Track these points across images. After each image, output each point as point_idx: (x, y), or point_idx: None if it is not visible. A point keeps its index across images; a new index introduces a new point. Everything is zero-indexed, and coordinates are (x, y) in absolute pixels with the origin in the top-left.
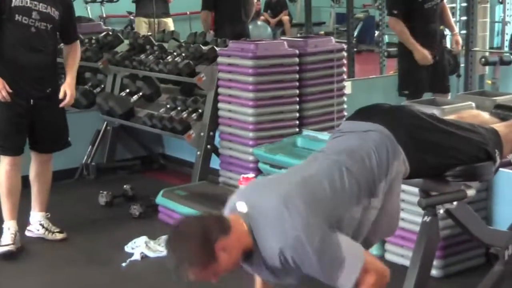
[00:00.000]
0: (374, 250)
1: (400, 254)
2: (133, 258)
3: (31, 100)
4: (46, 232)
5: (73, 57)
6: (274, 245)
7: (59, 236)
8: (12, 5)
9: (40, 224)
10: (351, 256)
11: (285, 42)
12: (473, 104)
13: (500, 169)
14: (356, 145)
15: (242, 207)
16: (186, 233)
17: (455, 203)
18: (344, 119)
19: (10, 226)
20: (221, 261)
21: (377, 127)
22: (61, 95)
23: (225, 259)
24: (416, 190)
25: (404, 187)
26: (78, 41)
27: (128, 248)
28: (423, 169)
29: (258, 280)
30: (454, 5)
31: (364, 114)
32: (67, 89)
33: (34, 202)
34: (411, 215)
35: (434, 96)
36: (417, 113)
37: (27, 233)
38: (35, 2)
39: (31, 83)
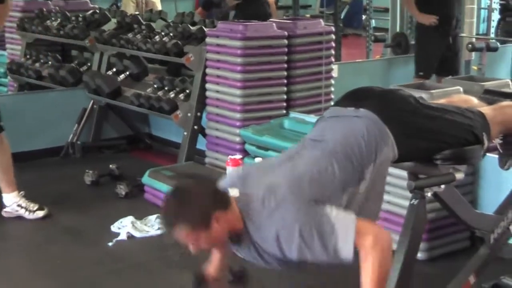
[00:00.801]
0: None
1: None
2: (119, 237)
3: None
4: (26, 212)
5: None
6: (268, 234)
7: (40, 213)
8: None
9: (18, 205)
10: (341, 222)
11: (274, 24)
12: (461, 89)
13: (487, 153)
14: (345, 132)
15: (234, 192)
16: (190, 193)
17: (443, 186)
18: (332, 102)
19: None
20: (212, 231)
21: (366, 113)
22: None
23: (216, 231)
24: (402, 172)
25: (390, 170)
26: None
27: (114, 227)
28: (412, 153)
29: (215, 254)
30: None
31: (353, 98)
32: None
33: (1, 184)
34: (396, 198)
35: (441, 78)
36: (406, 97)
37: (4, 214)
38: None
39: None
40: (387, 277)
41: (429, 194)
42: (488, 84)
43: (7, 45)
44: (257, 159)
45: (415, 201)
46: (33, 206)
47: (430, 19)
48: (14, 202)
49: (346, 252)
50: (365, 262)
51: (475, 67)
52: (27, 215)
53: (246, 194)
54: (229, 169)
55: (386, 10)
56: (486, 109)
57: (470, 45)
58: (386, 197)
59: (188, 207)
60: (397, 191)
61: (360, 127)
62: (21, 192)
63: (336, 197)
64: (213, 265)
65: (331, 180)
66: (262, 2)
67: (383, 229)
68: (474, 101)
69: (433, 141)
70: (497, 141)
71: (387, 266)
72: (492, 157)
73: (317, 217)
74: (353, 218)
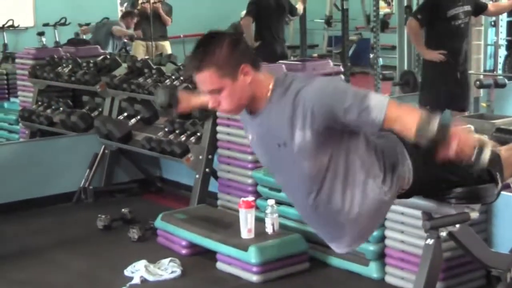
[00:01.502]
0: (374, 272)
1: (400, 276)
2: (133, 282)
3: None
4: None
5: None
6: (295, 86)
7: None
8: None
9: None
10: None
11: (283, 66)
12: (472, 127)
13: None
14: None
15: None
16: (228, 39)
17: (457, 225)
18: None
19: None
20: (237, 82)
21: (387, 133)
22: None
23: (241, 83)
24: (416, 212)
25: (404, 209)
26: None
27: (127, 272)
28: (426, 182)
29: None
30: None
31: None
32: None
33: None
34: (411, 238)
35: (452, 114)
36: None
37: None
38: None
39: None
40: None
41: (444, 234)
42: (499, 122)
43: (19, 93)
44: (270, 201)
45: (430, 241)
46: None
47: (437, 56)
48: None
49: (378, 114)
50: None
51: (484, 104)
52: None
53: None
54: (242, 213)
55: (393, 48)
56: (500, 150)
57: (478, 82)
58: (400, 236)
59: (219, 50)
60: (411, 231)
61: (382, 140)
62: None
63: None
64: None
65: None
66: (280, 43)
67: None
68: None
69: (448, 174)
70: (510, 180)
71: None
72: (506, 195)
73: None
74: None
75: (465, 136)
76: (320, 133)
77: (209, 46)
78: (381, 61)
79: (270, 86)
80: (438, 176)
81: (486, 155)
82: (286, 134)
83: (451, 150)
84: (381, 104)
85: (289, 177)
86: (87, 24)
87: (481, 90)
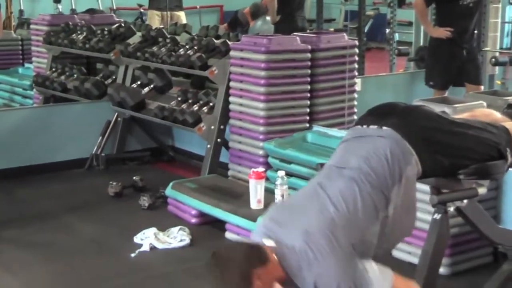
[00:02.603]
0: None
1: (407, 251)
2: (142, 249)
3: None
4: None
5: None
6: (309, 284)
7: None
8: None
9: None
10: (378, 279)
11: (297, 38)
12: (484, 103)
13: (510, 168)
14: (368, 156)
15: (270, 243)
16: (228, 258)
17: (465, 201)
18: (355, 116)
19: None
20: None
21: (389, 132)
22: None
23: (259, 287)
24: (425, 187)
25: None
26: (0, 16)
27: (137, 239)
28: (436, 170)
29: None
30: None
31: (376, 115)
32: None
33: None
34: (419, 213)
35: (467, 87)
36: (429, 114)
37: None
38: None
39: None
40: None
41: (451, 209)
42: None
43: (33, 58)
44: (280, 172)
45: (437, 216)
46: None
47: (442, 33)
48: None
49: None
50: None
51: (498, 82)
52: None
53: (283, 244)
54: (252, 184)
55: (410, 24)
56: (510, 124)
57: (493, 59)
58: None
59: (228, 274)
60: (420, 206)
61: (383, 149)
62: None
63: (369, 227)
64: None
65: (361, 212)
66: (301, 17)
67: (413, 283)
68: (497, 115)
69: (457, 158)
70: None
71: None
72: None
73: (355, 273)
74: (390, 276)
75: None
76: None
77: (219, 275)
78: (397, 36)
79: (280, 268)
80: (448, 163)
81: None
82: None
83: None
84: None
85: None
86: None
87: (497, 68)
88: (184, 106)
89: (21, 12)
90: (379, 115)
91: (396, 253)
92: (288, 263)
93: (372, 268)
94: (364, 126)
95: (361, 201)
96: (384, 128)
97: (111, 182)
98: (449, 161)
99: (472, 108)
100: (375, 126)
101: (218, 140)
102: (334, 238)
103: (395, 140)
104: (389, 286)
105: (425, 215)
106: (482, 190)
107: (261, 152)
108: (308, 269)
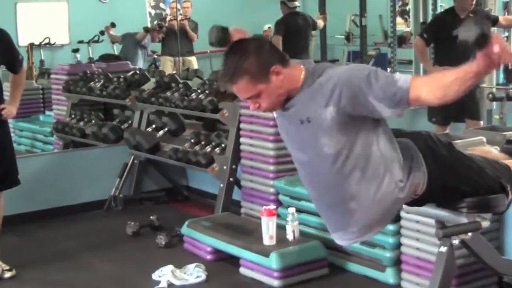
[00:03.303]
0: (390, 278)
1: (415, 282)
2: (160, 285)
3: None
4: None
5: (18, 83)
6: (325, 76)
7: (7, 274)
8: None
9: None
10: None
11: None
12: (484, 139)
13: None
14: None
15: (303, 64)
16: (248, 46)
17: (470, 234)
18: None
19: None
20: (271, 84)
21: (404, 139)
22: (1, 108)
23: (274, 84)
24: (431, 221)
25: (419, 218)
26: (23, 69)
27: (155, 276)
28: (439, 190)
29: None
30: None
31: None
32: (10, 106)
33: None
34: (426, 245)
35: (467, 123)
36: (435, 139)
37: None
38: None
39: None
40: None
41: (456, 242)
42: (510, 134)
43: (54, 106)
44: (291, 209)
45: (443, 249)
46: (4, 266)
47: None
48: None
49: (404, 82)
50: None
51: (496, 117)
52: None
53: (316, 66)
54: (264, 221)
55: (410, 62)
56: (510, 162)
57: (491, 95)
58: (415, 243)
59: (247, 59)
60: (425, 238)
61: (399, 145)
62: None
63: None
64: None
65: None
66: (305, 58)
67: None
68: (495, 153)
69: (461, 183)
70: None
71: None
72: None
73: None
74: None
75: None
76: (344, 113)
77: (237, 58)
78: None
79: (302, 76)
80: (452, 186)
81: None
82: (311, 110)
83: (492, 53)
84: (405, 76)
85: (309, 156)
86: (113, 25)
87: (494, 103)
88: (197, 147)
89: (41, 62)
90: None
91: (405, 285)
92: (312, 74)
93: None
94: None
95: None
96: (399, 139)
97: (129, 222)
98: (453, 183)
99: (472, 145)
100: None
101: (231, 179)
102: None
103: (408, 146)
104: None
105: (430, 247)
106: (485, 223)
107: (272, 190)
108: (329, 70)
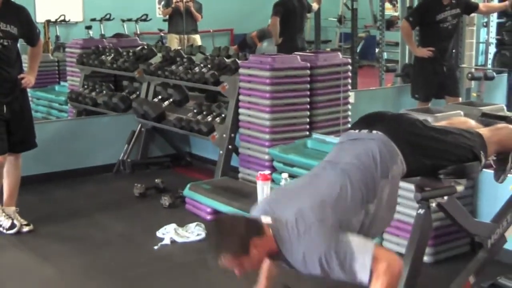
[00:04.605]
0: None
1: (396, 242)
2: (163, 242)
3: (4, 107)
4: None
5: (35, 55)
6: (297, 256)
7: (25, 228)
8: None
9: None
10: (361, 249)
11: (298, 57)
12: (462, 112)
13: (484, 169)
14: (358, 153)
15: (267, 220)
16: (230, 225)
17: (446, 197)
18: (349, 124)
19: (8, 211)
20: (251, 256)
21: (378, 135)
22: (21, 77)
23: (254, 255)
24: (410, 186)
25: (400, 183)
26: (40, 42)
27: (159, 233)
28: (419, 169)
29: (265, 267)
30: None
31: (367, 121)
32: (28, 76)
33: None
34: (406, 208)
35: (447, 99)
36: (414, 120)
37: None
38: None
39: (4, 93)
40: None
41: (433, 205)
42: (485, 108)
43: (68, 77)
44: (284, 175)
45: (421, 211)
46: (22, 221)
47: (425, 53)
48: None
49: (363, 275)
50: (375, 284)
51: (474, 94)
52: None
53: (277, 220)
54: (259, 185)
55: (396, 44)
56: (483, 130)
57: (470, 75)
58: (397, 207)
59: (228, 238)
60: (406, 202)
61: (373, 148)
62: (17, 209)
63: (355, 214)
64: (262, 279)
65: (350, 199)
66: (301, 39)
67: (397, 257)
68: (471, 122)
69: (437, 159)
70: (492, 158)
71: None
72: (489, 172)
73: (339, 243)
74: (372, 246)
75: None
76: None
77: (221, 237)
78: (385, 55)
79: (274, 242)
80: (428, 164)
81: None
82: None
83: None
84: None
85: None
86: (129, 20)
87: (473, 82)
88: (199, 117)
89: (57, 37)
90: (369, 121)
91: (386, 244)
92: (281, 237)
93: (355, 239)
94: (356, 131)
95: (350, 189)
96: (374, 132)
97: (136, 184)
98: (430, 161)
99: (451, 117)
100: (366, 130)
101: (229, 146)
102: (323, 214)
103: (383, 142)
104: (370, 255)
105: (410, 210)
106: (460, 188)
107: (267, 157)
108: (297, 243)
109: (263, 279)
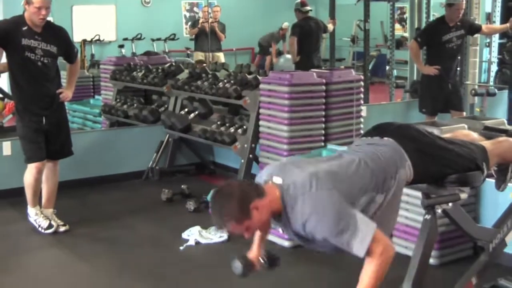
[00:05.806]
0: None
1: (404, 245)
2: (188, 243)
3: (43, 119)
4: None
5: (73, 72)
6: (300, 210)
7: (62, 228)
8: (22, 43)
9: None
10: (364, 225)
11: (314, 73)
12: (466, 126)
13: (486, 179)
14: (375, 152)
15: (278, 180)
16: (227, 193)
17: (450, 204)
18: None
19: (46, 213)
20: (254, 218)
21: (389, 141)
22: (59, 92)
23: (257, 217)
24: (417, 193)
25: (408, 191)
26: (77, 60)
27: (184, 235)
28: (424, 176)
29: (257, 234)
30: None
31: (379, 130)
32: (66, 91)
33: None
34: (413, 214)
35: (452, 113)
36: (422, 131)
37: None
38: (38, 42)
39: (43, 106)
40: (381, 281)
41: (439, 211)
42: (487, 122)
43: (102, 91)
44: None
45: (428, 216)
46: (59, 222)
47: (432, 71)
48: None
49: (360, 250)
50: (370, 264)
51: (477, 109)
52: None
53: (288, 181)
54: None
55: (405, 62)
56: (486, 143)
57: (473, 91)
58: (405, 213)
59: (228, 205)
60: (414, 209)
61: (386, 150)
62: (54, 210)
63: (365, 194)
64: (254, 247)
65: (362, 180)
66: (317, 57)
67: (392, 244)
68: (474, 135)
69: (442, 167)
70: (493, 169)
71: (384, 273)
72: (491, 181)
73: (346, 213)
74: (374, 226)
75: None
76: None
77: (220, 205)
78: (395, 72)
79: (278, 195)
80: (434, 171)
81: None
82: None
83: None
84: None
85: None
86: (158, 39)
87: (476, 98)
88: (222, 128)
89: (92, 55)
90: (381, 130)
91: (395, 248)
92: (290, 196)
93: (360, 216)
94: (369, 138)
95: (364, 172)
96: (385, 138)
97: (163, 190)
98: (435, 168)
99: (455, 130)
100: (378, 138)
101: (250, 156)
102: (337, 183)
103: (394, 147)
104: (371, 234)
105: (417, 216)
106: (463, 196)
107: None
108: (307, 199)
109: (255, 247)
